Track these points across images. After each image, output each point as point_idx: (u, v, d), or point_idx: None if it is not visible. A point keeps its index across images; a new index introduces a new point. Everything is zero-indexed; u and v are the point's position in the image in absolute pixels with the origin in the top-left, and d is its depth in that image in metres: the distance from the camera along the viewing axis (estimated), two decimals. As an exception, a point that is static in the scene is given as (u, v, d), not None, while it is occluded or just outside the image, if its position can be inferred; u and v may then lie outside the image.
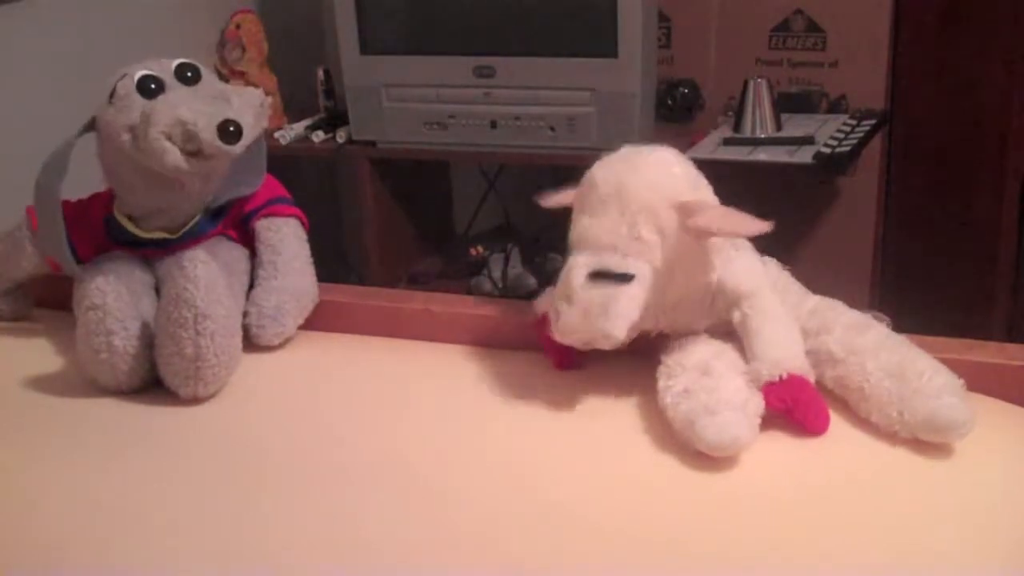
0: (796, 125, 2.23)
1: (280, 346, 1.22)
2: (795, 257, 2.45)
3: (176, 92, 1.15)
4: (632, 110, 2.12)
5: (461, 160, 2.53)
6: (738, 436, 0.93)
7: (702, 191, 1.04)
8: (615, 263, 0.99)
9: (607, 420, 1.02)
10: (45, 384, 1.17)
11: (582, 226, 1.03)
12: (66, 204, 1.21)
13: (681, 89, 2.39)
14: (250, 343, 1.19)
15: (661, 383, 1.01)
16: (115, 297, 1.10)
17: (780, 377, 0.98)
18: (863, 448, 0.96)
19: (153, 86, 1.14)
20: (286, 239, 1.26)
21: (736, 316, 1.04)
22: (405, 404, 1.10)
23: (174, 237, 1.21)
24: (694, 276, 1.04)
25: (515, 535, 0.86)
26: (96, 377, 1.12)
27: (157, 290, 1.18)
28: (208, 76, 1.20)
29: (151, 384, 1.13)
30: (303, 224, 1.30)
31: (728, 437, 0.93)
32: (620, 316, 0.97)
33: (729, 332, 1.06)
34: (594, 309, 0.98)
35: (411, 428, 1.04)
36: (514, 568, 0.83)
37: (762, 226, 0.98)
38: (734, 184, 2.59)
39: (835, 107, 2.33)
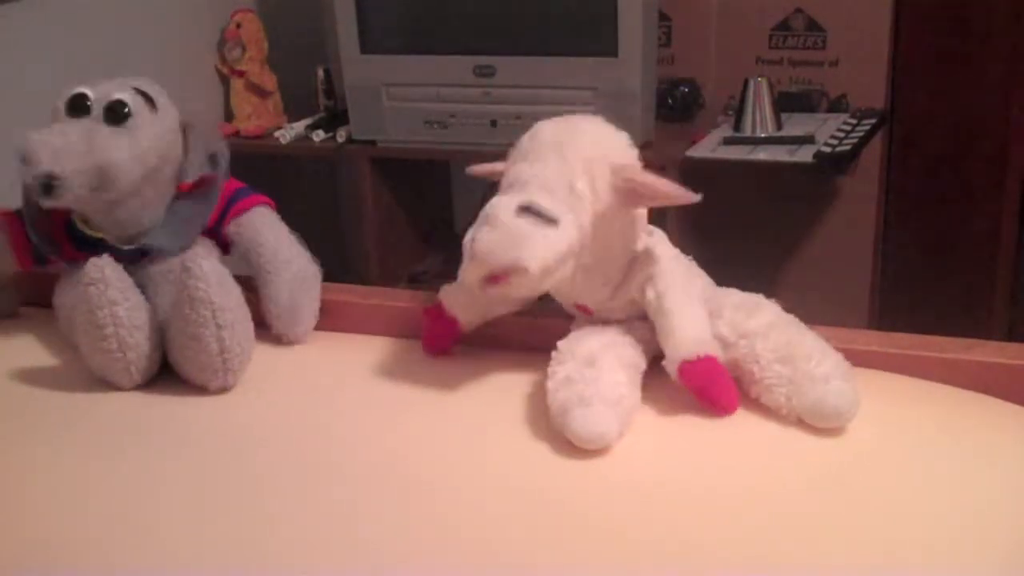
0: (796, 124, 2.23)
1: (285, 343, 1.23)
2: (795, 257, 2.48)
3: (78, 124, 1.14)
4: (632, 109, 2.12)
5: (461, 159, 2.52)
6: (605, 432, 0.95)
7: (635, 158, 1.05)
8: (546, 202, 0.97)
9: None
10: (39, 381, 1.17)
11: (518, 169, 1.02)
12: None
13: (681, 88, 2.39)
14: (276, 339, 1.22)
15: (550, 368, 1.02)
16: (112, 269, 1.10)
17: (697, 356, 0.99)
18: (861, 447, 0.96)
19: (87, 103, 1.15)
20: (261, 232, 1.25)
21: (650, 294, 1.04)
22: (405, 404, 1.10)
23: (118, 246, 1.19)
24: (613, 242, 1.04)
25: (516, 535, 0.86)
26: (103, 361, 1.11)
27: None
28: (139, 123, 1.16)
29: (156, 361, 1.13)
30: (269, 206, 1.28)
31: (595, 432, 0.95)
32: (538, 254, 0.94)
33: (627, 319, 1.08)
34: (516, 238, 0.95)
35: (411, 428, 1.04)
36: (514, 568, 0.83)
37: (692, 196, 0.99)
38: (734, 183, 2.61)
39: (835, 106, 2.33)
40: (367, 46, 2.27)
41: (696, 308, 1.04)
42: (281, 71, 2.52)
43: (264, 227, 1.26)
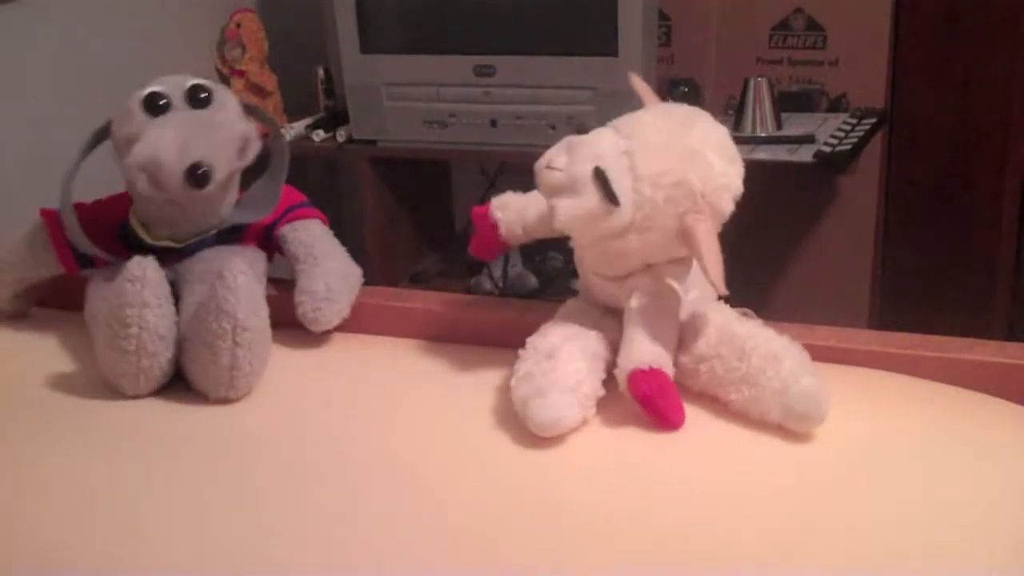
0: (796, 124, 2.23)
1: (292, 344, 1.22)
2: (795, 257, 2.47)
3: (172, 117, 1.14)
4: (632, 109, 2.11)
5: (461, 159, 2.53)
6: (561, 417, 0.96)
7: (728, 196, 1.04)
8: (622, 183, 0.99)
9: (607, 419, 1.02)
10: (49, 382, 1.17)
11: (641, 120, 1.08)
12: (84, 205, 1.23)
13: (681, 88, 2.39)
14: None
15: (515, 366, 1.03)
16: (154, 272, 1.10)
17: (650, 367, 0.99)
18: (862, 447, 0.96)
19: (162, 103, 1.14)
20: (315, 234, 1.28)
21: (634, 302, 1.03)
22: (405, 404, 1.10)
23: (179, 246, 1.20)
24: (651, 251, 1.03)
25: (515, 535, 0.86)
26: (117, 361, 1.10)
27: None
28: (220, 97, 1.18)
29: (167, 375, 1.12)
30: (325, 223, 1.32)
31: (551, 418, 0.96)
32: (572, 212, 0.98)
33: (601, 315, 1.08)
34: (574, 187, 0.99)
35: (411, 428, 1.04)
36: (514, 568, 0.83)
37: (721, 287, 0.98)
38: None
39: (835, 106, 2.33)
40: (367, 46, 2.26)
41: (666, 327, 1.03)
42: (281, 71, 2.52)
43: (318, 232, 1.29)
